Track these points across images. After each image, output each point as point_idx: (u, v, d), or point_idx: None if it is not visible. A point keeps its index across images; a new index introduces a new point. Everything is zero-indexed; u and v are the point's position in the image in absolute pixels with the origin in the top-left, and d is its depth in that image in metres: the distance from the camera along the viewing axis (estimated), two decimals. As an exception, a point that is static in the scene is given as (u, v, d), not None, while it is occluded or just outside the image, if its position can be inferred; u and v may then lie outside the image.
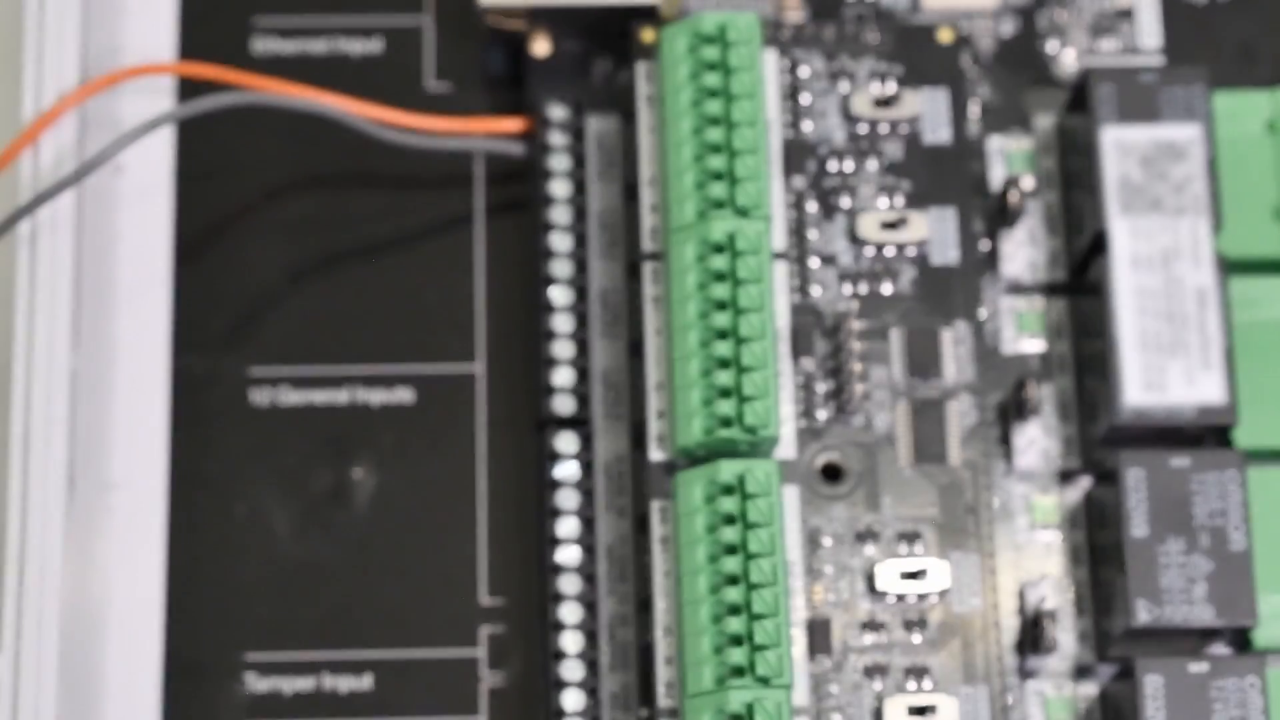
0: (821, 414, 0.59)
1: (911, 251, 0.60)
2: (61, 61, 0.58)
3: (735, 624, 0.53)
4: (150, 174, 0.61)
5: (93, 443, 0.58)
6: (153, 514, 0.59)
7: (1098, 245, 0.58)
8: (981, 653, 0.57)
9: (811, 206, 0.60)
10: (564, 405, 0.58)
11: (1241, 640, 0.56)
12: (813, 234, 0.60)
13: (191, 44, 0.63)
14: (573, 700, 0.56)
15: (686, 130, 0.57)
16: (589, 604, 0.56)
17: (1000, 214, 0.60)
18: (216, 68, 0.60)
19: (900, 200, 0.60)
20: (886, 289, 0.60)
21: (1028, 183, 0.61)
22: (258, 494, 0.59)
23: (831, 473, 0.58)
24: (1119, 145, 0.58)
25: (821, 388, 0.59)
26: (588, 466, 0.57)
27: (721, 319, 0.55)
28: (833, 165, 0.61)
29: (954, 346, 0.59)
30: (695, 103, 0.57)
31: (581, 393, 0.58)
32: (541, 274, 0.59)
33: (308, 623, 0.58)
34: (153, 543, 0.58)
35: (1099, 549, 0.58)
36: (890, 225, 0.60)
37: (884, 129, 0.61)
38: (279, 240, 0.61)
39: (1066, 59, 0.63)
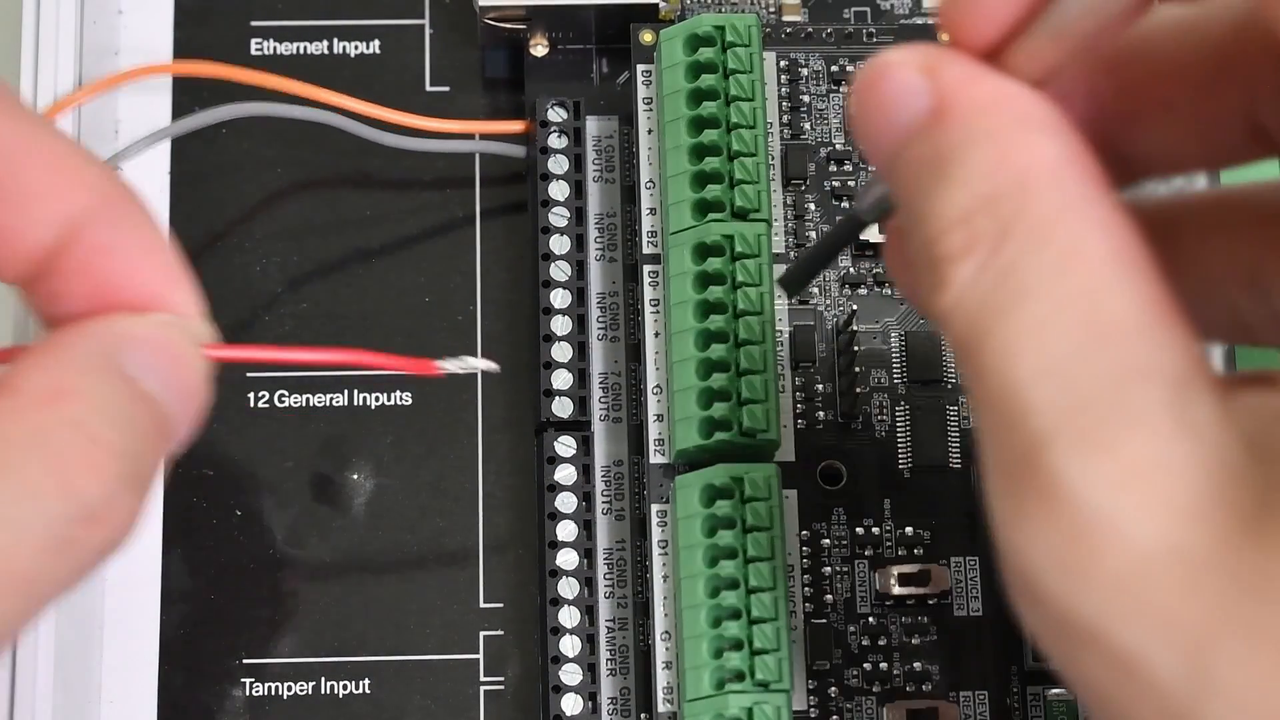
0: (821, 417, 0.58)
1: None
2: (58, 63, 0.58)
3: (734, 628, 0.53)
4: (147, 176, 0.61)
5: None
6: (150, 517, 0.58)
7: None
8: (982, 657, 0.57)
9: (811, 209, 0.60)
10: (562, 408, 0.58)
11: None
12: (812, 236, 0.60)
13: (189, 46, 0.62)
14: (571, 704, 0.55)
15: (685, 132, 0.56)
16: (588, 608, 0.56)
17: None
18: (215, 65, 0.59)
19: (900, 202, 0.60)
20: (887, 291, 0.60)
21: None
22: (255, 497, 0.59)
23: (831, 476, 0.58)
24: (1120, 147, 0.58)
25: (821, 391, 0.59)
26: (586, 470, 0.57)
27: (720, 322, 0.55)
28: (833, 167, 0.60)
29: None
30: (694, 105, 0.56)
31: (580, 396, 0.58)
32: (540, 276, 0.58)
33: (305, 626, 0.58)
34: (150, 545, 0.58)
35: (1100, 553, 0.58)
36: (890, 228, 0.59)
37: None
38: (276, 242, 0.61)
39: (1067, 61, 0.63)
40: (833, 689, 0.56)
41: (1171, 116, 0.41)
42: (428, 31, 0.63)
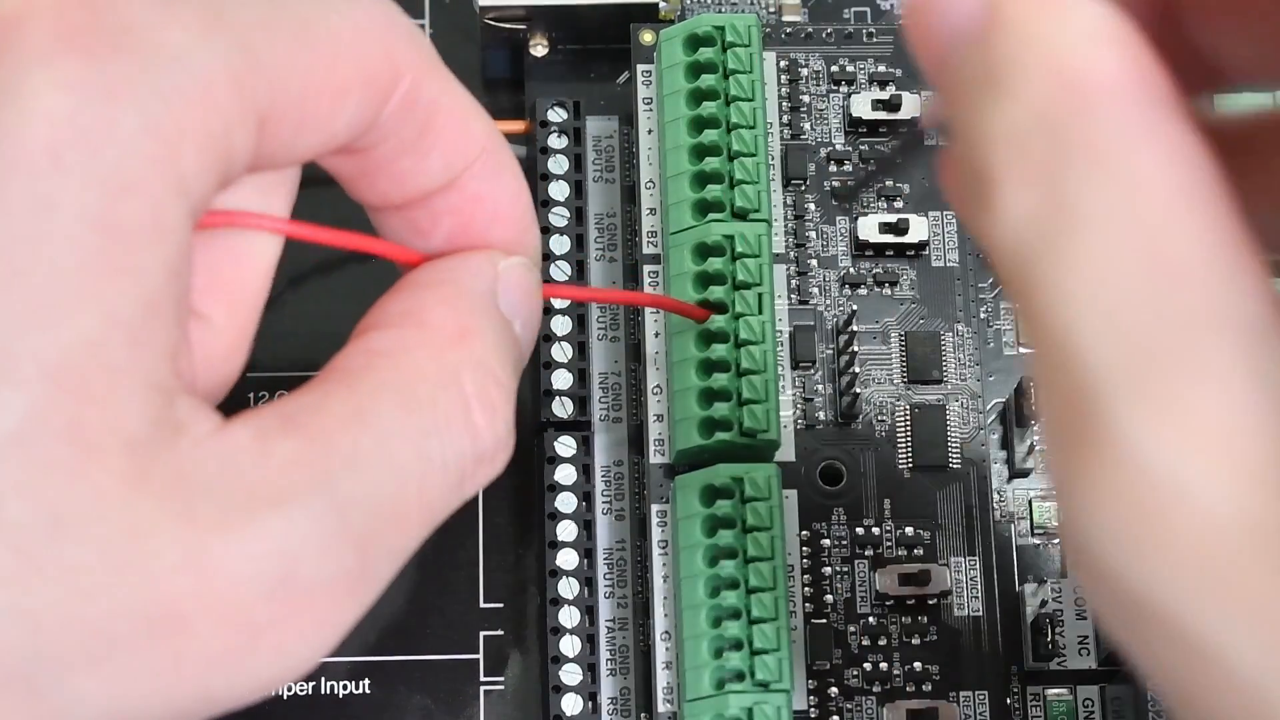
0: (821, 417, 0.59)
1: (911, 254, 0.60)
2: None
3: (734, 628, 0.53)
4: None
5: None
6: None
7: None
8: (981, 657, 0.57)
9: (811, 209, 0.60)
10: (562, 408, 0.58)
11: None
12: (812, 237, 0.60)
13: (189, 46, 0.62)
14: (571, 704, 0.55)
15: (685, 133, 0.56)
16: (588, 608, 0.56)
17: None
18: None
19: (900, 203, 0.60)
20: (886, 291, 0.60)
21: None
22: (255, 497, 0.59)
23: (832, 476, 0.58)
24: (1120, 147, 0.58)
25: (821, 391, 0.59)
26: (586, 470, 0.57)
27: (721, 322, 0.55)
28: (832, 167, 0.60)
29: (954, 350, 0.59)
30: (694, 105, 0.56)
31: (580, 396, 0.58)
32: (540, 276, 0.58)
33: (305, 627, 0.58)
34: (150, 546, 0.58)
35: (1100, 553, 0.58)
36: (890, 228, 0.59)
37: (884, 131, 0.61)
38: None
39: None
40: (833, 689, 0.56)
41: (1255, 17, 0.37)
42: (428, 31, 0.63)
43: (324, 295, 0.61)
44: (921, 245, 0.60)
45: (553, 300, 0.58)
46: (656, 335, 0.57)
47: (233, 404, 0.60)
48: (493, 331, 0.42)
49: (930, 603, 0.57)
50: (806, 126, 0.61)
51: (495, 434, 0.41)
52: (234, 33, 0.37)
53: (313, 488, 0.37)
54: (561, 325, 0.58)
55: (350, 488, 0.38)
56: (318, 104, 0.39)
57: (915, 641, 0.57)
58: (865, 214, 0.60)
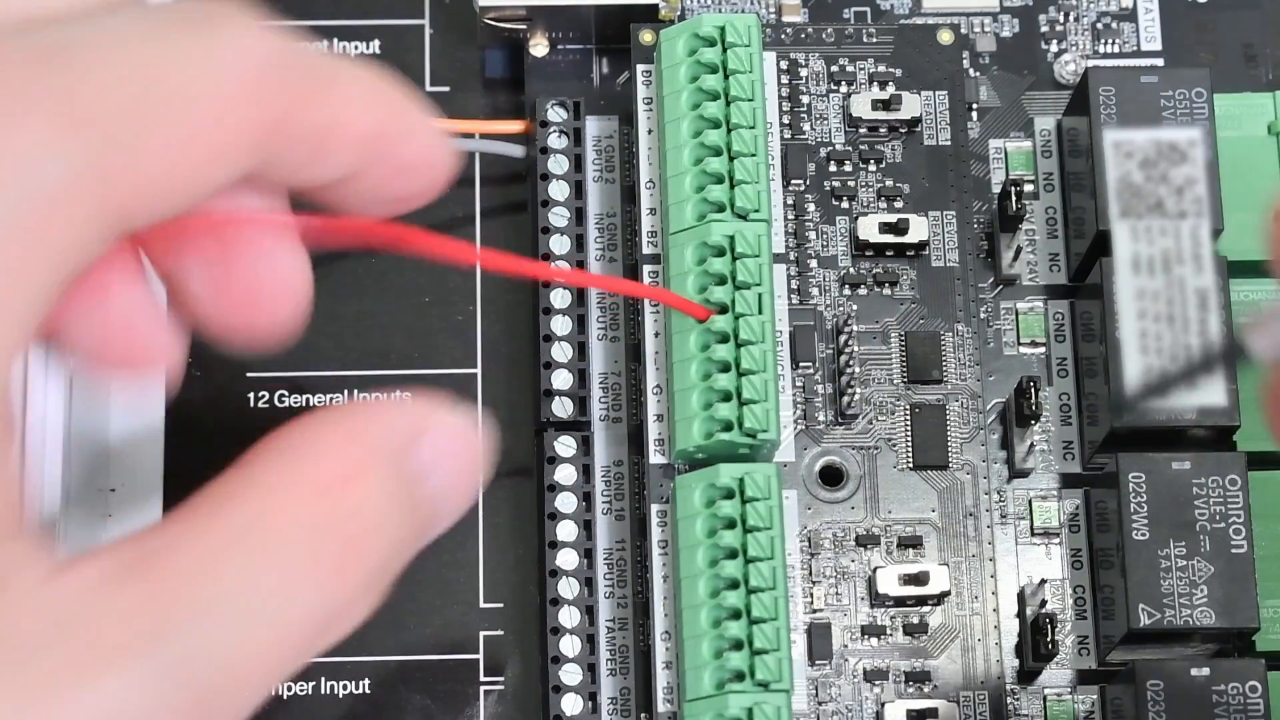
0: (821, 417, 0.59)
1: (911, 254, 0.60)
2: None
3: (735, 628, 0.53)
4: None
5: (90, 447, 0.58)
6: (150, 519, 0.58)
7: (1098, 248, 0.58)
8: (981, 657, 0.57)
9: (811, 209, 0.60)
10: (562, 408, 0.58)
11: (1243, 644, 0.56)
12: (812, 237, 0.60)
13: (189, 46, 0.62)
14: (571, 704, 0.55)
15: (686, 133, 0.56)
16: (587, 608, 0.56)
17: (1001, 216, 0.60)
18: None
19: (900, 203, 0.60)
20: (886, 291, 0.60)
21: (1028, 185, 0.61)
22: (255, 497, 0.59)
23: (831, 476, 0.58)
24: (1119, 147, 0.58)
25: (821, 391, 0.59)
26: (586, 470, 0.57)
27: (721, 322, 0.55)
28: (832, 167, 0.60)
29: (954, 350, 0.59)
30: (694, 105, 0.56)
31: (580, 396, 0.58)
32: (540, 277, 0.59)
33: (305, 627, 0.58)
34: (150, 546, 0.58)
35: (1100, 553, 0.58)
36: (890, 228, 0.59)
37: (884, 131, 0.61)
38: (277, 243, 0.61)
39: (1067, 60, 0.63)
40: (833, 689, 0.56)
41: None
42: (428, 31, 0.63)
43: (321, 295, 0.61)
44: (921, 245, 0.60)
45: (552, 300, 0.58)
46: (656, 335, 0.57)
47: (234, 404, 0.60)
48: (381, 487, 0.39)
49: (930, 602, 0.57)
50: (806, 126, 0.61)
51: (349, 597, 0.39)
52: (92, 132, 0.35)
53: (151, 643, 0.35)
54: (561, 325, 0.58)
55: (191, 643, 0.36)
56: (192, 176, 0.37)
57: (915, 641, 0.57)
58: (865, 214, 0.60)
